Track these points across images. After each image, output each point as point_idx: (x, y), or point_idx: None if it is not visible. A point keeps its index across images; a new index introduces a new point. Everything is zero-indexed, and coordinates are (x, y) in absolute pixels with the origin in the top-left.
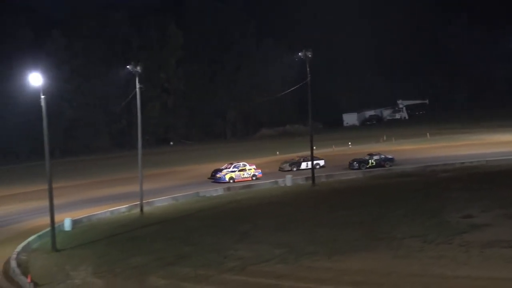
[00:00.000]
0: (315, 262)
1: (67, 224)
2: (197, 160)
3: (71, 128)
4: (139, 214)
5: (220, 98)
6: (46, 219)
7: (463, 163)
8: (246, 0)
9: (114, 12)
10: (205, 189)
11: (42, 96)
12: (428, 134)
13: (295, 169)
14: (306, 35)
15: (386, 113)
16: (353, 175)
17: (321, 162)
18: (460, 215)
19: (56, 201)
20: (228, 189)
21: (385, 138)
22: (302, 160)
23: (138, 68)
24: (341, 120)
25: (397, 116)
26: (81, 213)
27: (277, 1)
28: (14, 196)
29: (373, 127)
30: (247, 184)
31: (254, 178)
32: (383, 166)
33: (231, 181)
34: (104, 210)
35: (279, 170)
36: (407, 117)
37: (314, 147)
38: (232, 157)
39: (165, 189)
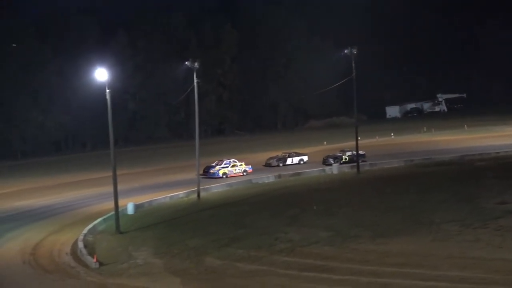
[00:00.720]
0: (359, 244)
1: (130, 208)
2: (250, 150)
3: (133, 119)
4: (196, 200)
5: (272, 91)
6: (111, 204)
7: (498, 153)
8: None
9: (174, 12)
10: (257, 176)
11: (107, 90)
12: (465, 125)
13: (281, 164)
14: (351, 32)
15: (426, 106)
16: (395, 163)
17: (305, 158)
18: (495, 201)
19: (119, 187)
20: (279, 176)
21: (425, 129)
22: (287, 156)
23: (196, 64)
24: (384, 113)
25: (437, 109)
26: (143, 198)
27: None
28: (80, 182)
29: (414, 119)
30: (297, 171)
31: (244, 173)
32: (356, 162)
33: (224, 176)
34: (164, 196)
35: (265, 165)
36: (446, 110)
37: (359, 138)
38: (282, 147)
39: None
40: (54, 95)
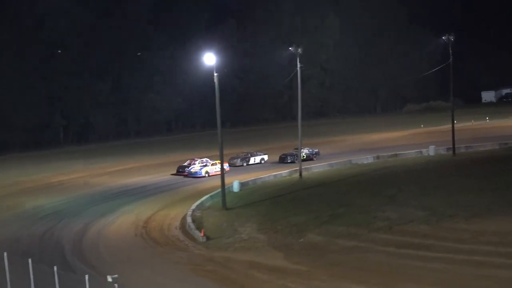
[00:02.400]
0: (454, 224)
1: (236, 186)
2: (350, 132)
3: (240, 101)
4: (298, 178)
5: (372, 76)
6: (217, 181)
7: None
8: None
9: (281, 1)
10: (356, 157)
11: (215, 74)
12: None
13: (245, 164)
14: (448, 19)
15: None
16: (489, 146)
17: (265, 157)
18: None
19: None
20: (377, 157)
21: None
22: (250, 155)
23: (300, 50)
24: (480, 97)
25: None
26: (248, 177)
27: None
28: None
29: (508, 103)
30: (394, 153)
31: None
32: (312, 159)
33: (206, 175)
34: (268, 174)
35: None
36: None
37: (455, 121)
38: (381, 129)
39: (321, 156)
40: (166, 79)
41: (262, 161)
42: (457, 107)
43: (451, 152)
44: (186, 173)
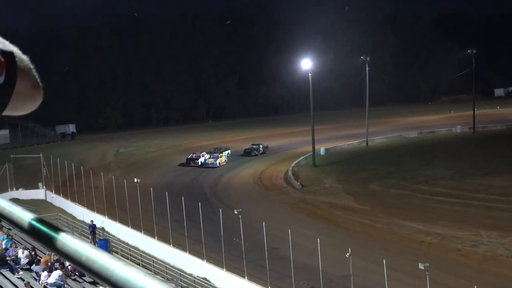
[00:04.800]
0: (472, 180)
1: (322, 151)
2: (399, 115)
3: (325, 93)
4: (365, 146)
5: (417, 76)
6: (309, 147)
7: None
8: (436, 16)
9: (350, 23)
10: (405, 132)
11: (309, 74)
12: None
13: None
14: (470, 36)
15: None
16: (499, 127)
17: (229, 151)
18: None
19: (316, 137)
20: (420, 133)
21: None
22: (221, 149)
23: (367, 58)
24: (493, 92)
25: None
26: (330, 145)
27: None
28: (291, 133)
29: None
30: (432, 130)
31: (225, 162)
32: (264, 152)
33: (219, 165)
34: (343, 143)
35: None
36: None
37: (475, 109)
38: (424, 113)
39: (380, 131)
40: (275, 76)
41: (228, 154)
42: (477, 99)
43: (472, 130)
44: (195, 165)
